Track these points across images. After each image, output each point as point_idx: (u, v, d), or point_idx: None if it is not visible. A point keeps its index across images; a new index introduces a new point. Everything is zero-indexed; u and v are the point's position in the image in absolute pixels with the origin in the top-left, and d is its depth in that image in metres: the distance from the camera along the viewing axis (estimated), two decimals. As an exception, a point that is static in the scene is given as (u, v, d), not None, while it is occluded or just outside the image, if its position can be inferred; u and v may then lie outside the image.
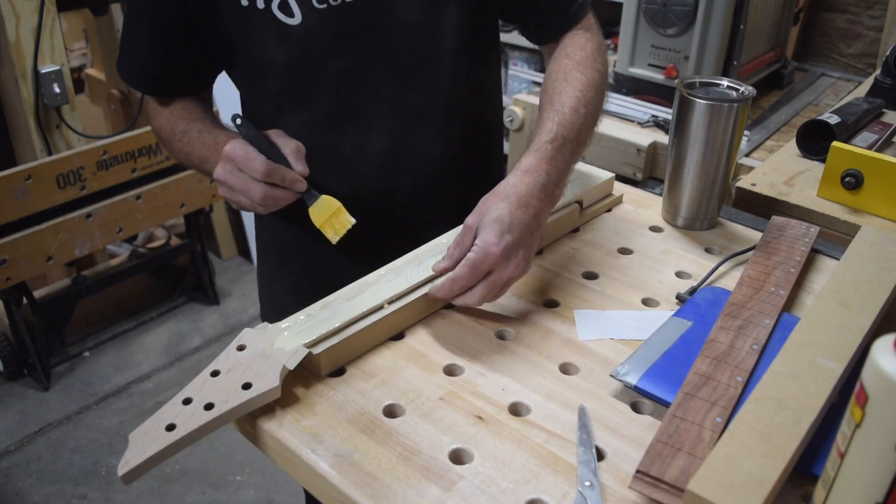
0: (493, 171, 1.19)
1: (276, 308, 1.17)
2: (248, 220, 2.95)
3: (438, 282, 0.83)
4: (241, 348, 0.76)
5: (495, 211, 0.81)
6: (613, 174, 1.12)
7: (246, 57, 0.97)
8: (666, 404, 0.73)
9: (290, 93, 0.98)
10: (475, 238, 0.81)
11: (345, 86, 0.97)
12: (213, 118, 1.04)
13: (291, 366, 0.74)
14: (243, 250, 3.07)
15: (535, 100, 1.78)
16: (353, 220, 0.95)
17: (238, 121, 0.93)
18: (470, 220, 0.83)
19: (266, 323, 0.80)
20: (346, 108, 0.99)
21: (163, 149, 1.08)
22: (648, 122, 1.66)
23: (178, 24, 0.95)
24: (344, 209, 0.95)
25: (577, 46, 1.02)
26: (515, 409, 0.74)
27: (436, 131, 1.05)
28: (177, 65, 1.01)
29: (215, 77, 1.07)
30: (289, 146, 0.92)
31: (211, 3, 0.93)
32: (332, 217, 0.95)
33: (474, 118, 1.11)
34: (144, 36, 0.99)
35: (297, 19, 0.91)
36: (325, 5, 0.92)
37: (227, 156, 0.89)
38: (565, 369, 0.80)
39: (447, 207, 1.06)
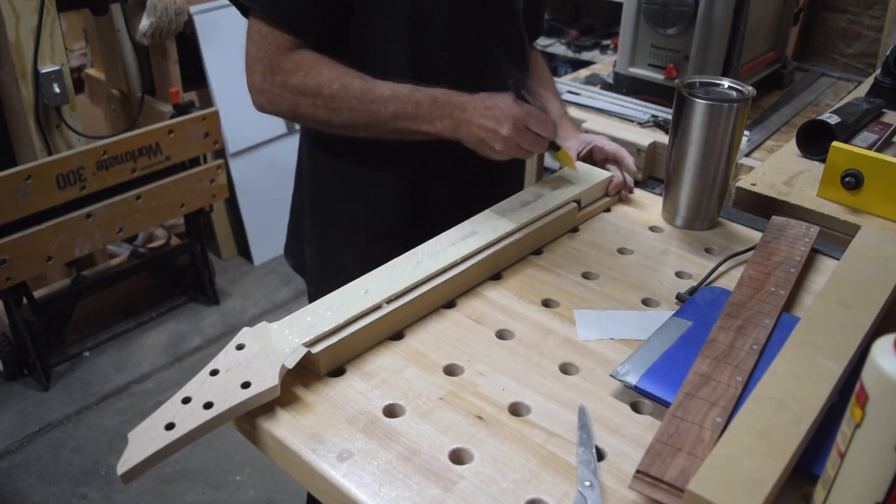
0: None
1: (342, 278, 1.13)
2: (249, 220, 2.95)
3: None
4: (240, 347, 0.76)
5: (589, 135, 1.19)
6: (612, 174, 1.12)
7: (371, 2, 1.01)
8: (666, 404, 0.73)
9: (405, 41, 1.03)
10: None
11: (446, 44, 1.04)
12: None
13: (290, 365, 0.74)
14: (243, 250, 3.07)
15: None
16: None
17: (512, 81, 0.99)
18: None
19: (265, 322, 0.80)
20: (441, 65, 1.05)
21: (302, 108, 1.02)
22: (648, 122, 1.66)
23: None
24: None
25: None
26: (515, 409, 0.74)
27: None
28: (327, 6, 1.01)
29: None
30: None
31: None
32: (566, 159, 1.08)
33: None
34: None
35: None
36: None
37: (522, 115, 0.93)
38: (565, 369, 0.80)
39: (497, 172, 1.21)
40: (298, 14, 0.99)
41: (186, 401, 0.70)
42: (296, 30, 1.00)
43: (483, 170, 1.12)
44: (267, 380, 0.72)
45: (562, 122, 1.23)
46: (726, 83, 1.03)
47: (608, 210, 1.12)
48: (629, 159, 1.15)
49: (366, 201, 1.16)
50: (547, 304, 0.91)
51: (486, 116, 0.95)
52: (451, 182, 1.16)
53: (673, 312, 0.87)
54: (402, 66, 1.04)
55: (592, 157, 1.17)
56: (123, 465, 0.64)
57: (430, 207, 1.17)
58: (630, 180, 1.16)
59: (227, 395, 0.70)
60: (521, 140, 0.94)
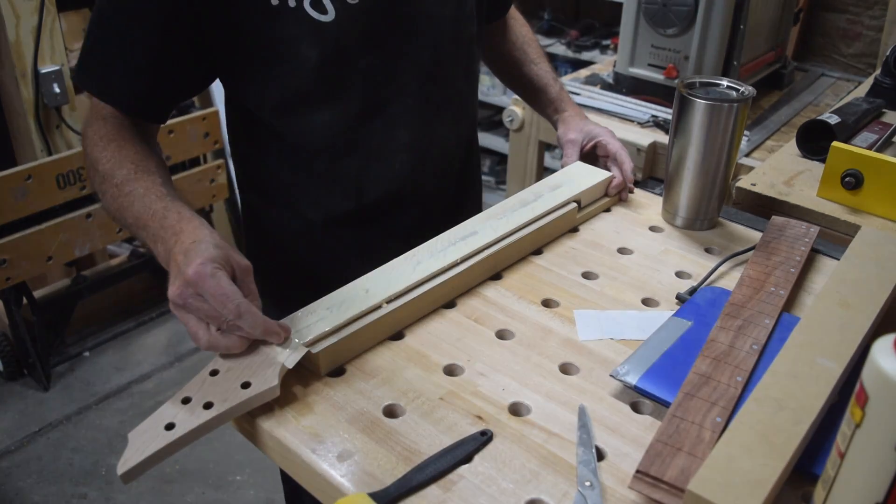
0: (477, 158, 1.25)
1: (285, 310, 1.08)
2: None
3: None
4: (240, 348, 0.76)
5: (595, 127, 1.17)
6: (612, 173, 1.12)
7: (270, 56, 0.94)
8: (666, 404, 0.73)
9: (321, 90, 0.97)
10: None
11: (374, 81, 0.99)
12: (166, 173, 0.92)
13: (290, 365, 0.74)
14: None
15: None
16: None
17: None
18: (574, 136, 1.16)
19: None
20: (375, 103, 1.00)
21: (89, 178, 0.96)
22: (648, 122, 1.66)
23: (185, 30, 0.88)
24: None
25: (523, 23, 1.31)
26: (515, 409, 0.74)
27: (452, 121, 1.10)
28: (172, 79, 0.93)
29: (196, 93, 1.01)
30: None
31: (230, 5, 0.88)
32: None
33: (473, 107, 1.18)
34: (138, 42, 0.88)
35: (329, 16, 0.92)
36: (357, 1, 0.92)
37: (196, 278, 0.72)
38: (565, 369, 0.80)
39: (464, 196, 1.18)
40: (129, 91, 0.91)
41: (186, 401, 0.70)
42: (129, 108, 0.93)
43: (427, 209, 1.10)
44: (267, 380, 0.72)
45: (564, 103, 1.21)
46: (726, 83, 1.03)
47: (608, 210, 1.12)
48: (628, 165, 1.12)
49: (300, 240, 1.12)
50: (547, 304, 0.91)
51: (176, 260, 0.76)
52: (398, 216, 1.09)
53: (673, 312, 0.87)
54: (329, 119, 0.99)
55: (595, 151, 1.17)
56: (123, 465, 0.64)
57: (376, 246, 1.08)
58: (630, 181, 1.15)
59: (227, 396, 0.70)
60: (188, 305, 0.73)
